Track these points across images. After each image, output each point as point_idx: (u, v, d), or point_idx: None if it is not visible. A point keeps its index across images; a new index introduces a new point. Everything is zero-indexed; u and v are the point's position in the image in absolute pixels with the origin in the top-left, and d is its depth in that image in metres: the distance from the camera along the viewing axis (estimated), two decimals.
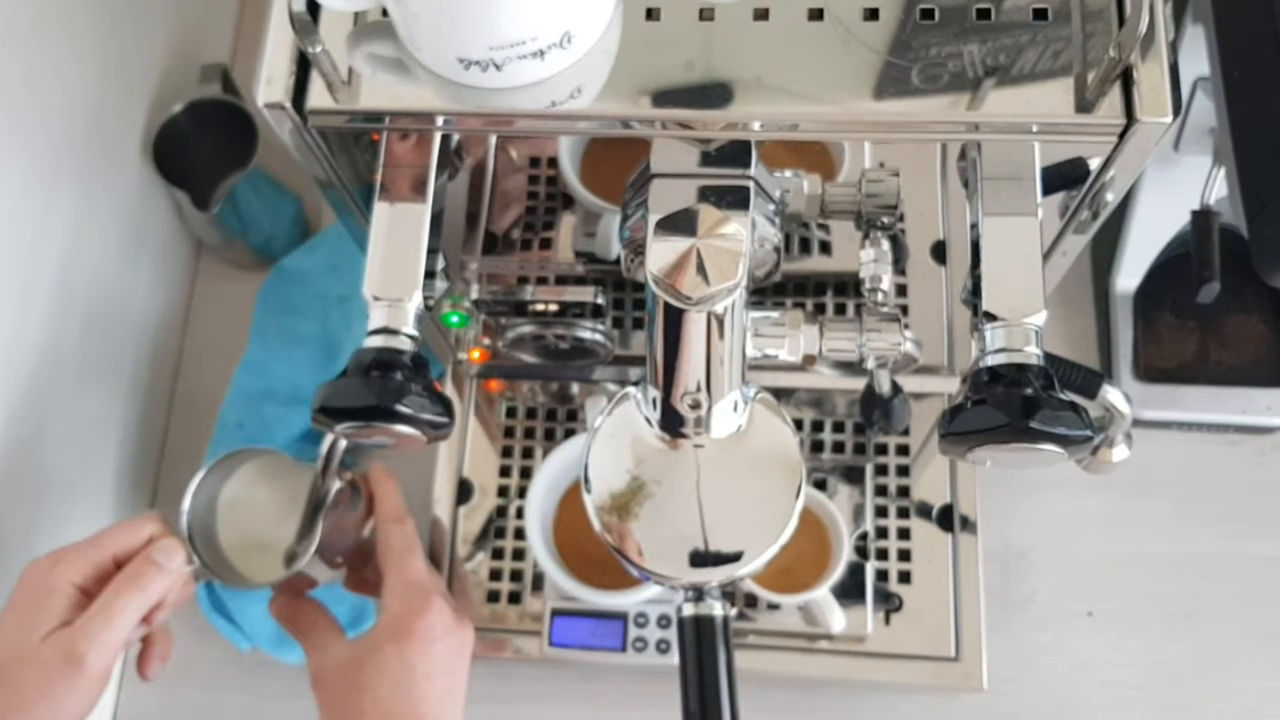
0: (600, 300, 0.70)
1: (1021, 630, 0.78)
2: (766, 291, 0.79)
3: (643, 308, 0.77)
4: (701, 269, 0.45)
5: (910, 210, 0.59)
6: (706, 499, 0.54)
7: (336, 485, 0.63)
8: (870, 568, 0.77)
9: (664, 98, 0.48)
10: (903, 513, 0.79)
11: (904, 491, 0.80)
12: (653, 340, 0.50)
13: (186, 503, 0.62)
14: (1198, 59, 0.60)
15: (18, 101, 0.67)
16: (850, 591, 0.76)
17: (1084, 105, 0.46)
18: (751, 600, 0.76)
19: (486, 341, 0.80)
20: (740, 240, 0.46)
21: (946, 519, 0.79)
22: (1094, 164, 0.50)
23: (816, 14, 0.48)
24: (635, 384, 0.56)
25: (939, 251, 0.73)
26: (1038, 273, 0.50)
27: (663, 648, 0.75)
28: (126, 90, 0.80)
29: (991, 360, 0.49)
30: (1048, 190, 0.52)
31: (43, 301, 0.72)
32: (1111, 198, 0.53)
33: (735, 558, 0.53)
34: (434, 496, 0.82)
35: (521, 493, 0.81)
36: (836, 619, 0.75)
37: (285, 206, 0.89)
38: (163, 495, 0.87)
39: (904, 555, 0.78)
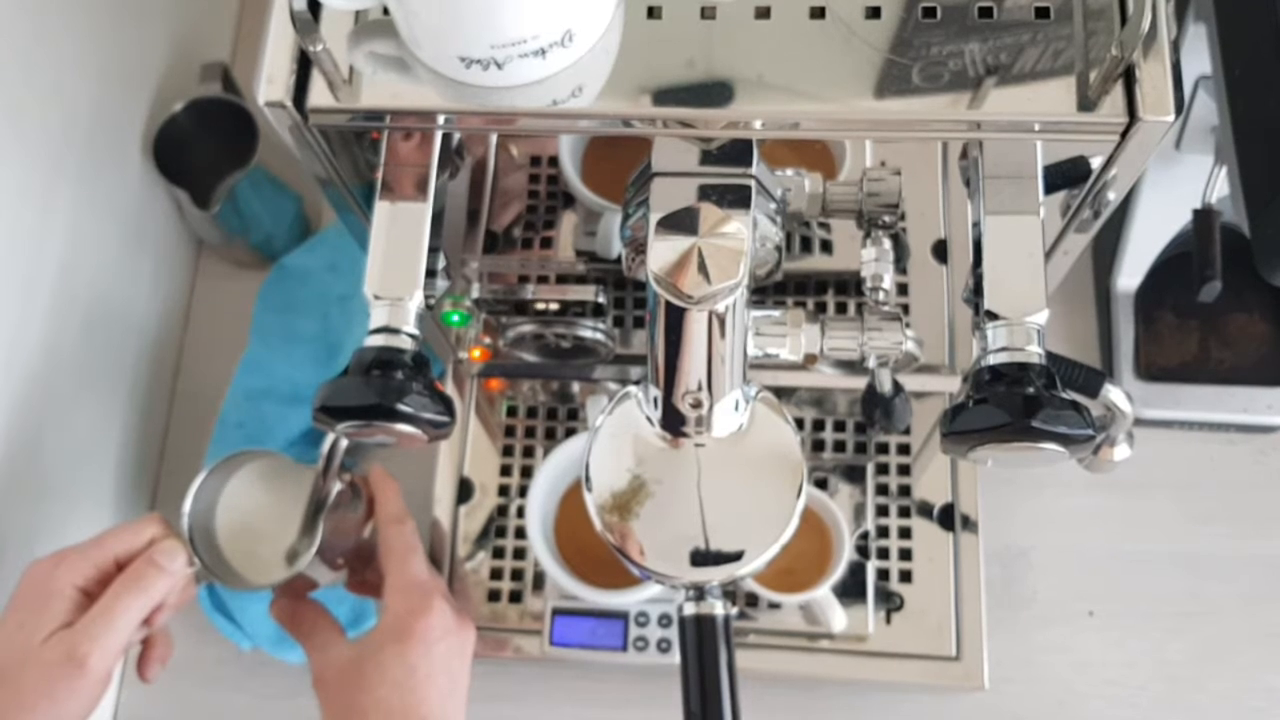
0: (601, 299, 0.70)
1: (1023, 629, 0.78)
2: (768, 290, 0.79)
3: (644, 306, 0.77)
4: (703, 268, 0.45)
5: (911, 209, 0.60)
6: (708, 498, 0.54)
7: (337, 486, 0.63)
8: (871, 567, 0.77)
9: (665, 96, 0.48)
10: (904, 512, 0.79)
11: (905, 490, 0.79)
12: (654, 339, 0.50)
13: (187, 504, 0.62)
14: (1199, 57, 0.60)
15: (18, 101, 0.67)
16: (851, 591, 0.76)
17: (1086, 104, 0.46)
18: (752, 599, 0.76)
19: (487, 340, 0.80)
20: (741, 239, 0.46)
21: (947, 518, 0.78)
22: (1096, 163, 0.50)
23: (818, 12, 0.48)
24: (636, 383, 0.56)
25: (940, 250, 0.73)
26: (1039, 271, 0.50)
27: (663, 647, 0.75)
28: (127, 89, 0.80)
29: (993, 359, 0.49)
30: (1049, 189, 0.52)
31: (43, 301, 0.72)
32: (1113, 196, 0.53)
33: (736, 557, 0.53)
34: (435, 496, 0.82)
35: (522, 492, 0.81)
36: (837, 618, 0.75)
37: (286, 205, 0.89)
38: (163, 496, 0.87)
39: (905, 554, 0.78)
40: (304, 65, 0.49)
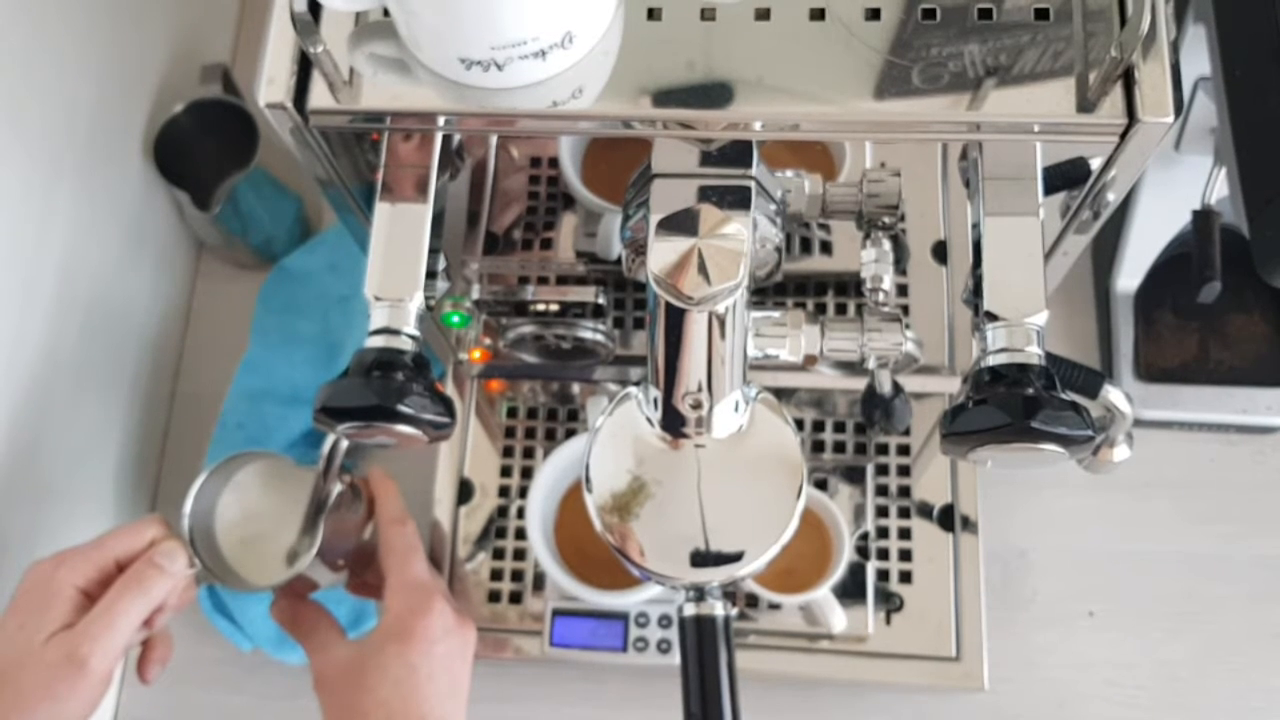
0: (601, 300, 0.70)
1: (1022, 630, 0.78)
2: (768, 291, 0.79)
3: (644, 308, 0.77)
4: (703, 269, 0.45)
5: (911, 210, 0.59)
6: (708, 499, 0.54)
7: (337, 488, 0.63)
8: (871, 567, 0.77)
9: (665, 98, 0.48)
10: (904, 512, 0.79)
11: (905, 491, 0.80)
12: (654, 340, 0.50)
13: (188, 506, 0.62)
14: (1199, 59, 0.60)
15: (18, 102, 0.67)
16: (851, 591, 0.76)
17: (1085, 105, 0.46)
18: (752, 600, 0.76)
19: (487, 341, 0.80)
20: (741, 240, 0.46)
21: (947, 519, 0.79)
22: (1095, 164, 0.50)
23: (818, 14, 0.48)
24: (636, 384, 0.56)
25: (940, 251, 0.73)
26: (1039, 272, 0.50)
27: (664, 648, 0.75)
28: (127, 90, 0.80)
29: (993, 360, 0.49)
30: (1049, 190, 0.52)
31: (43, 302, 0.72)
32: (1113, 197, 0.53)
33: (736, 558, 0.53)
34: (435, 497, 0.82)
35: (522, 493, 0.81)
36: (837, 619, 0.75)
37: (286, 206, 0.89)
38: (164, 497, 0.87)
39: (905, 555, 0.78)
40: (304, 67, 0.49)
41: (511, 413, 0.84)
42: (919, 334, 0.59)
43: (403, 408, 0.50)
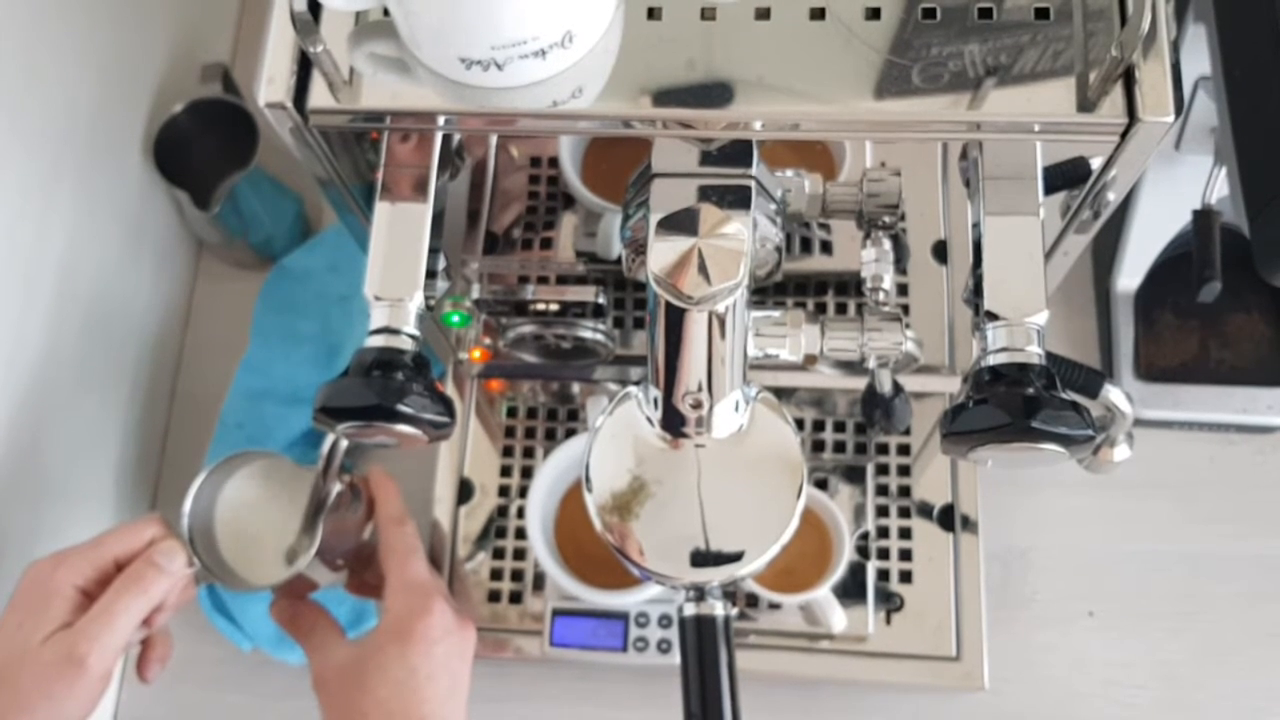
0: (601, 300, 0.70)
1: (1022, 630, 0.78)
2: (768, 291, 0.79)
3: (644, 307, 0.77)
4: (703, 268, 0.45)
5: (911, 209, 0.59)
6: (708, 499, 0.54)
7: (337, 487, 0.63)
8: (871, 567, 0.77)
9: (665, 97, 0.48)
10: (904, 512, 0.79)
11: (905, 491, 0.79)
12: (654, 340, 0.50)
13: (187, 505, 0.62)
14: (1199, 58, 0.61)
15: (18, 101, 0.67)
16: (851, 591, 0.76)
17: (1086, 104, 0.46)
18: (752, 600, 0.76)
19: (487, 341, 0.80)
20: (741, 240, 0.46)
21: (947, 518, 0.78)
22: (1095, 163, 0.50)
23: (818, 13, 0.48)
24: (636, 383, 0.56)
25: (940, 251, 0.73)
26: (1039, 272, 0.50)
27: (664, 647, 0.75)
28: (127, 90, 0.80)
29: (993, 360, 0.49)
30: (1049, 190, 0.52)
31: (43, 301, 0.72)
32: (1113, 197, 0.53)
33: (736, 557, 0.53)
34: (435, 496, 0.82)
35: (522, 492, 0.81)
36: (837, 618, 0.75)
37: (286, 206, 0.89)
38: (163, 496, 0.87)
39: (905, 555, 0.78)
40: (304, 66, 0.49)
41: (511, 412, 0.84)
42: (919, 333, 0.59)
43: (402, 407, 0.50)
